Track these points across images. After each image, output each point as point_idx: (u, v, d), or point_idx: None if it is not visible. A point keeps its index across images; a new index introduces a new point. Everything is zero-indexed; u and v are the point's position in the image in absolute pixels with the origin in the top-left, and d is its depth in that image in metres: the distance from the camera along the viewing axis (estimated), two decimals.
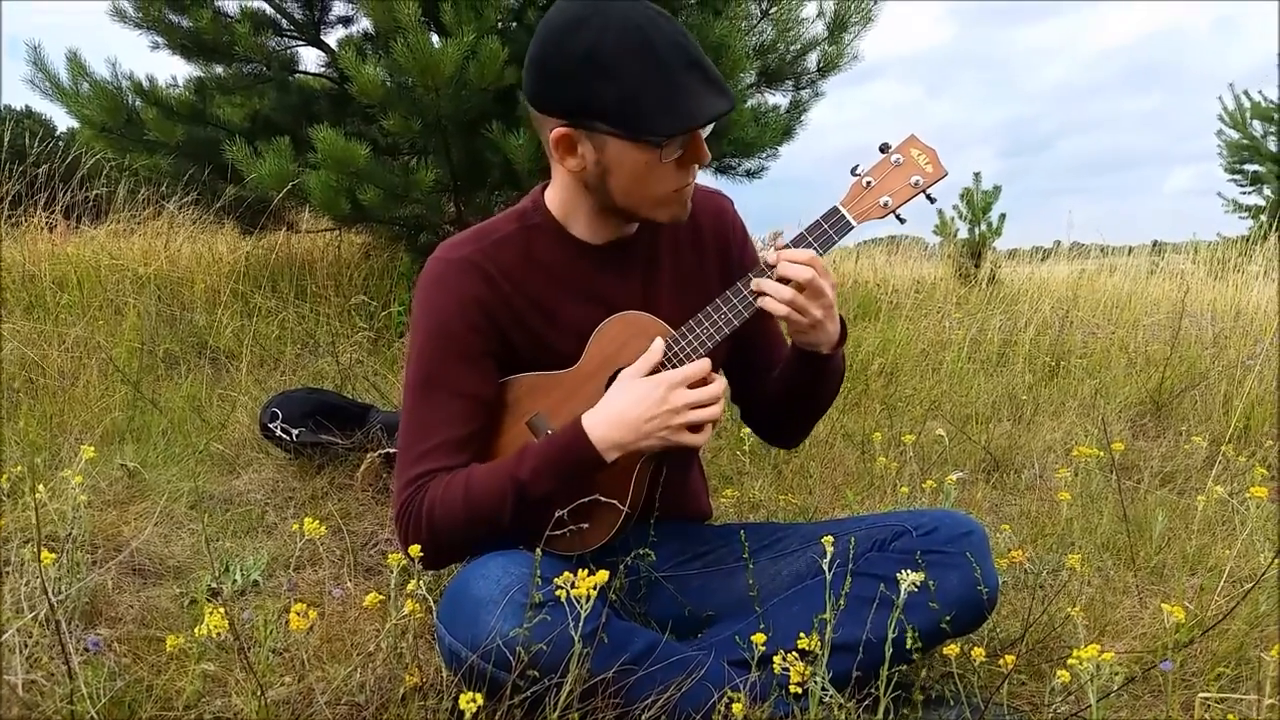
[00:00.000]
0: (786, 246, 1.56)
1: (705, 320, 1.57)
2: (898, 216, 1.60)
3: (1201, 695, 1.57)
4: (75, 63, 4.41)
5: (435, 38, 3.94)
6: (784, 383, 1.71)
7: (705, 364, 1.53)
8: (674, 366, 1.56)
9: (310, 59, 4.87)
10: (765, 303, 1.54)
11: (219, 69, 4.75)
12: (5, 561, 1.83)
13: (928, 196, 1.60)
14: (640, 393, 1.50)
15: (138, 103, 4.52)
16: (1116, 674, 1.42)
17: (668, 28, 1.42)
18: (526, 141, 3.87)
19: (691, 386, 1.51)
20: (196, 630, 1.40)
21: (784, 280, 1.52)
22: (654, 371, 1.54)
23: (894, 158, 1.59)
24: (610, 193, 1.53)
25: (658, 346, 1.55)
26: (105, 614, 1.87)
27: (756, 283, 1.54)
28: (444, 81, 3.81)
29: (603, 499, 1.49)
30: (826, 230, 1.58)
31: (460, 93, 3.91)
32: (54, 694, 1.38)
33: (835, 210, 1.59)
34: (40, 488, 1.90)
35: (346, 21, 4.81)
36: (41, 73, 4.40)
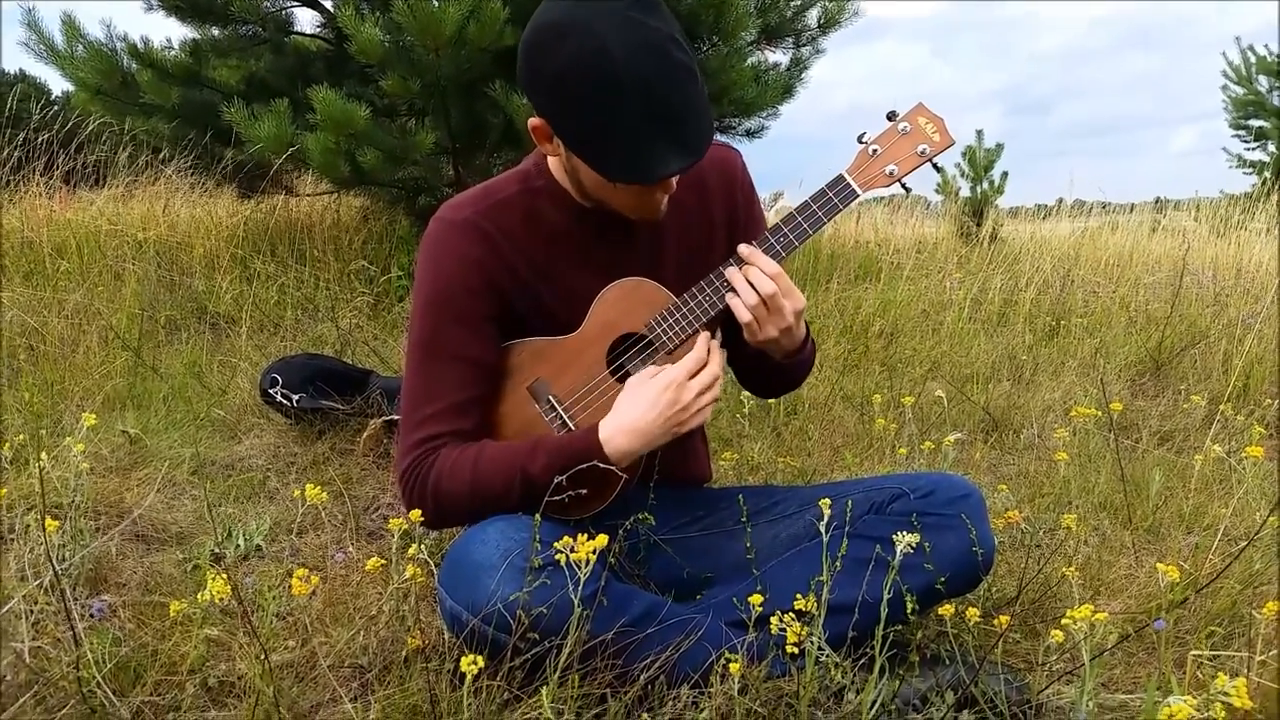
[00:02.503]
0: (766, 240, 1.57)
1: (708, 287, 1.56)
2: (903, 185, 1.60)
3: (1194, 653, 1.59)
4: (70, 25, 4.37)
5: None
6: (751, 360, 1.72)
7: (703, 347, 1.54)
8: (675, 334, 1.56)
9: (305, 20, 4.84)
10: (731, 302, 1.55)
11: (214, 31, 4.71)
12: (10, 529, 1.85)
13: (934, 165, 1.59)
14: (651, 398, 1.51)
15: (133, 65, 4.49)
16: (1110, 633, 1.43)
17: (647, 66, 1.33)
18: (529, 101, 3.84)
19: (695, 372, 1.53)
20: (199, 596, 1.41)
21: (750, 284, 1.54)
22: (648, 346, 1.55)
23: (901, 126, 1.58)
24: (583, 185, 1.54)
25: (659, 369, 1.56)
26: (109, 580, 1.89)
27: (729, 275, 1.55)
28: (444, 42, 3.78)
29: (600, 465, 1.49)
30: (831, 198, 1.57)
31: (460, 53, 3.88)
32: (60, 660, 1.40)
33: (841, 178, 1.58)
34: (43, 455, 1.92)
35: None
36: (36, 35, 4.36)
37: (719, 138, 1.66)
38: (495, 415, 1.61)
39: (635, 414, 1.51)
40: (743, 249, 1.56)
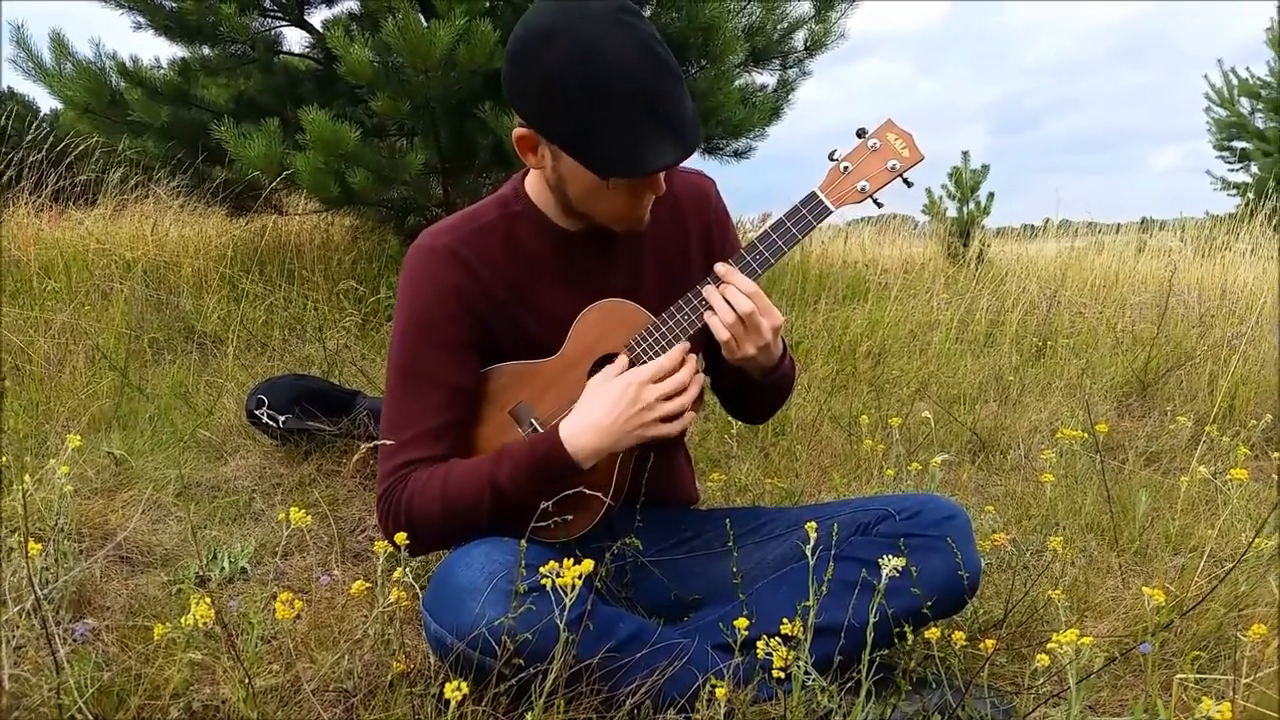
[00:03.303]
0: (742, 259, 1.58)
1: (686, 306, 1.57)
2: (875, 201, 1.62)
3: (1179, 676, 1.59)
4: (58, 43, 4.38)
5: (422, 18, 3.91)
6: (731, 382, 1.74)
7: (676, 354, 1.54)
8: (654, 354, 1.57)
9: (294, 39, 4.85)
10: (710, 320, 1.55)
11: (204, 50, 4.72)
12: None
13: (905, 180, 1.61)
14: (612, 397, 1.52)
15: (121, 84, 4.49)
16: (1096, 656, 1.43)
17: (637, 63, 1.36)
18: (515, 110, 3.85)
19: (661, 377, 1.53)
20: (183, 620, 1.40)
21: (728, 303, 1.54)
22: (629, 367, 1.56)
23: (870, 143, 1.60)
24: (568, 197, 1.54)
25: (621, 362, 1.57)
26: (93, 603, 1.88)
27: (707, 294, 1.56)
28: (434, 63, 3.79)
29: (586, 491, 1.49)
30: (805, 215, 1.59)
31: (449, 74, 3.90)
32: (41, 687, 1.39)
33: (813, 195, 1.59)
34: (26, 477, 1.91)
35: (330, 1, 4.78)
36: (25, 52, 4.36)
37: (703, 164, 1.67)
38: (477, 439, 1.61)
39: (597, 413, 1.52)
40: (719, 267, 1.56)
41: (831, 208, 1.59)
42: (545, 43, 1.37)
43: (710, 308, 1.56)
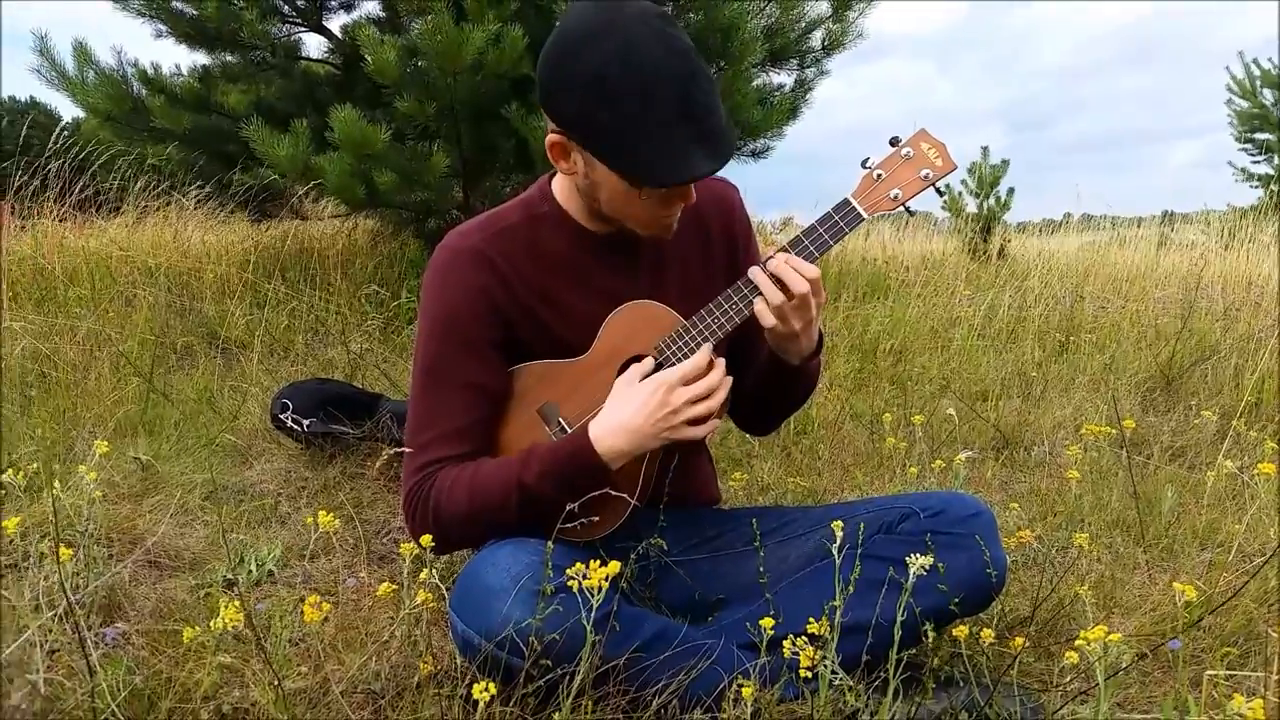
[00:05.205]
0: (786, 250, 1.57)
1: (715, 310, 1.57)
2: (907, 209, 1.62)
3: (1209, 673, 1.58)
4: (81, 51, 4.42)
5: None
6: (755, 380, 1.73)
7: (703, 357, 1.54)
8: (683, 356, 1.57)
9: (312, 45, 4.88)
10: (757, 307, 1.55)
11: (227, 57, 4.75)
12: (24, 556, 1.85)
13: (937, 190, 1.62)
14: (641, 398, 1.51)
15: (143, 91, 4.53)
16: (1125, 653, 1.43)
17: (678, 68, 1.38)
18: (546, 124, 3.86)
19: (690, 379, 1.53)
20: (213, 623, 1.41)
21: (778, 282, 1.53)
22: (657, 369, 1.56)
23: (904, 151, 1.60)
24: (598, 202, 1.55)
25: (648, 363, 1.57)
26: (123, 608, 1.89)
27: (757, 281, 1.55)
28: (463, 67, 3.81)
29: (611, 492, 1.50)
30: (837, 221, 1.59)
31: (475, 78, 3.91)
32: (74, 691, 1.40)
33: (846, 202, 1.60)
34: (55, 484, 1.92)
35: (348, 7, 4.81)
36: (48, 62, 4.41)
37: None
38: (504, 439, 1.62)
39: (625, 413, 1.52)
40: (776, 252, 1.56)
41: (864, 215, 1.60)
42: (592, 41, 1.39)
43: (750, 304, 1.56)
